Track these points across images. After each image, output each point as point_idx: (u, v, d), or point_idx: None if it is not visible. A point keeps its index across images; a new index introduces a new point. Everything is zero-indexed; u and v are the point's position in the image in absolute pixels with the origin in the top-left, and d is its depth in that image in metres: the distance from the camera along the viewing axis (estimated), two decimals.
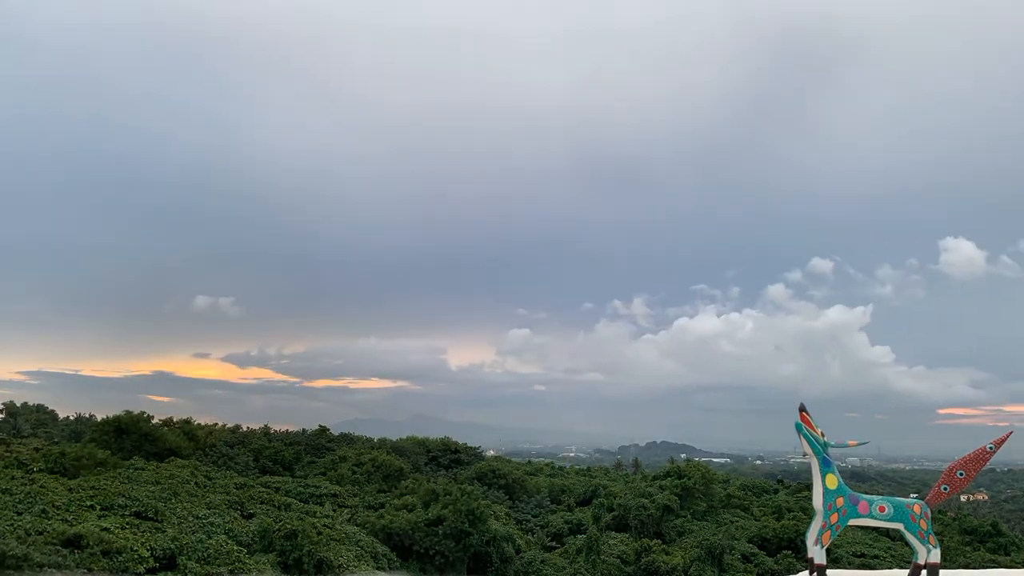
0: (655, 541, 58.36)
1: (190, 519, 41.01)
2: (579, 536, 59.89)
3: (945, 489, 11.55)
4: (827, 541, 11.06)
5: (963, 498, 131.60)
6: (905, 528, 11.18)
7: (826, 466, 11.22)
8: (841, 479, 11.27)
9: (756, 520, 71.28)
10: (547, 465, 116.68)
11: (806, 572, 11.26)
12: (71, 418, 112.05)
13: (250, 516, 46.77)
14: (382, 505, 58.11)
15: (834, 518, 11.10)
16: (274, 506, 50.53)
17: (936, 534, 11.48)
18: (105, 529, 35.00)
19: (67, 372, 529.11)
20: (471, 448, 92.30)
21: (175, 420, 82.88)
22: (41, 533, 33.31)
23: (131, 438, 66.44)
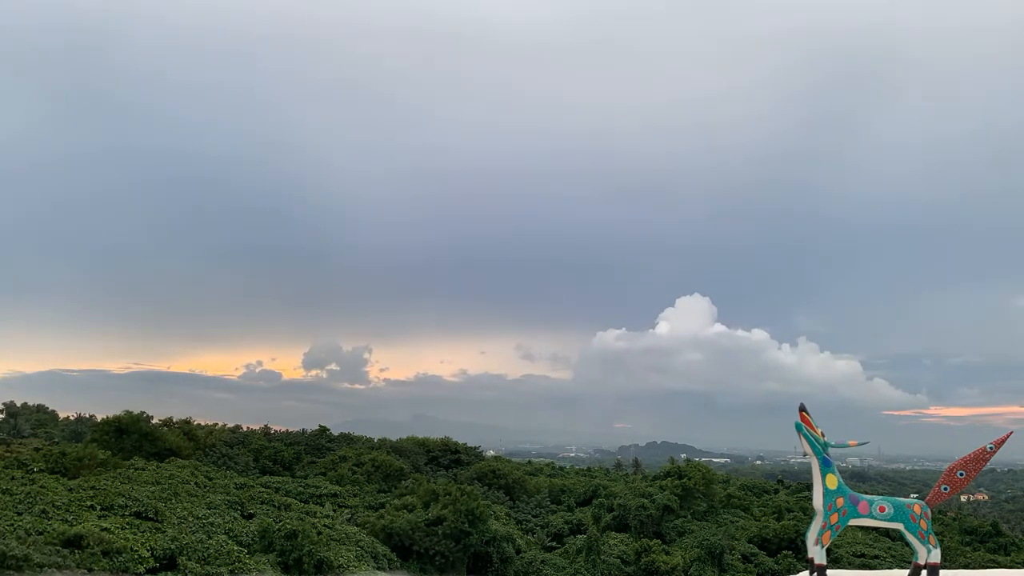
0: (655, 541, 58.32)
1: (190, 519, 40.97)
2: (579, 536, 59.87)
3: (945, 489, 11.55)
4: (827, 541, 11.05)
5: (963, 498, 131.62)
6: (905, 528, 11.17)
7: (826, 466, 11.21)
8: (841, 479, 11.27)
9: (756, 520, 71.25)
10: (547, 465, 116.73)
11: (806, 572, 11.25)
12: (71, 418, 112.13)
13: (250, 516, 46.75)
14: (382, 505, 58.09)
15: (834, 518, 11.09)
16: (274, 506, 50.51)
17: (936, 534, 11.48)
18: (105, 529, 34.96)
19: (47, 370, 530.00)
20: (471, 448, 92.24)
21: (175, 420, 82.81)
22: (41, 533, 33.28)
23: (131, 438, 66.36)
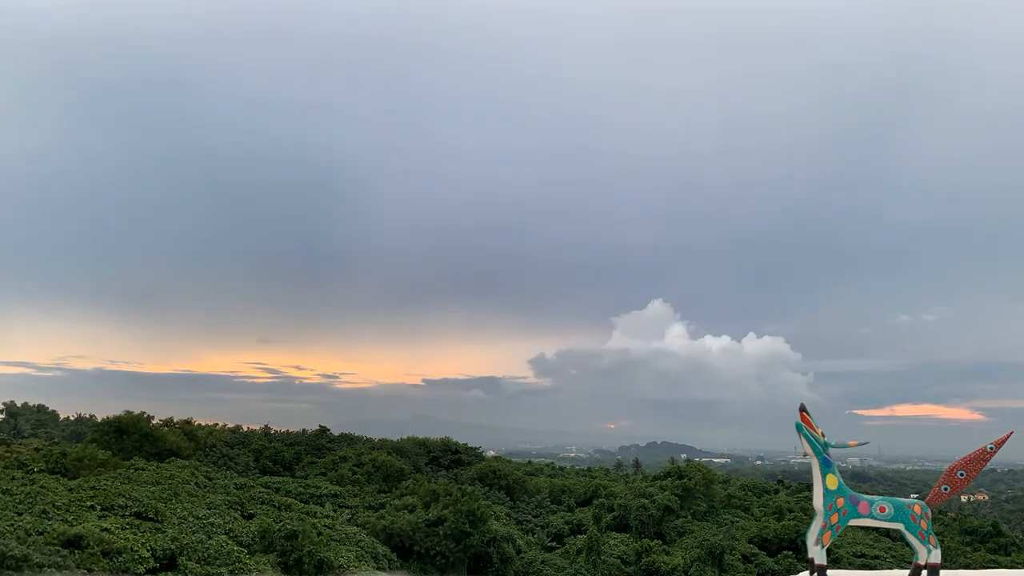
0: (656, 541, 58.34)
1: (190, 519, 40.98)
2: (579, 536, 59.87)
3: (946, 489, 11.53)
4: (828, 541, 11.04)
5: (964, 498, 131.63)
6: (905, 528, 11.16)
7: (827, 466, 11.20)
8: (842, 479, 11.26)
9: (757, 520, 71.26)
10: (547, 465, 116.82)
11: (807, 572, 11.24)
12: (71, 418, 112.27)
13: (250, 516, 46.73)
14: (383, 506, 58.08)
15: (835, 518, 11.08)
16: (274, 506, 50.50)
17: (937, 534, 11.47)
18: (105, 530, 34.97)
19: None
20: (472, 448, 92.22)
21: (175, 420, 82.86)
22: (41, 533, 33.29)
23: (131, 438, 66.40)
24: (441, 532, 50.34)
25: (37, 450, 57.83)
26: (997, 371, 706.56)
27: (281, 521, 43.28)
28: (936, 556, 11.07)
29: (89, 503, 39.83)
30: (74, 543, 33.06)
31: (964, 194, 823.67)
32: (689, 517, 68.56)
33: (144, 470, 52.75)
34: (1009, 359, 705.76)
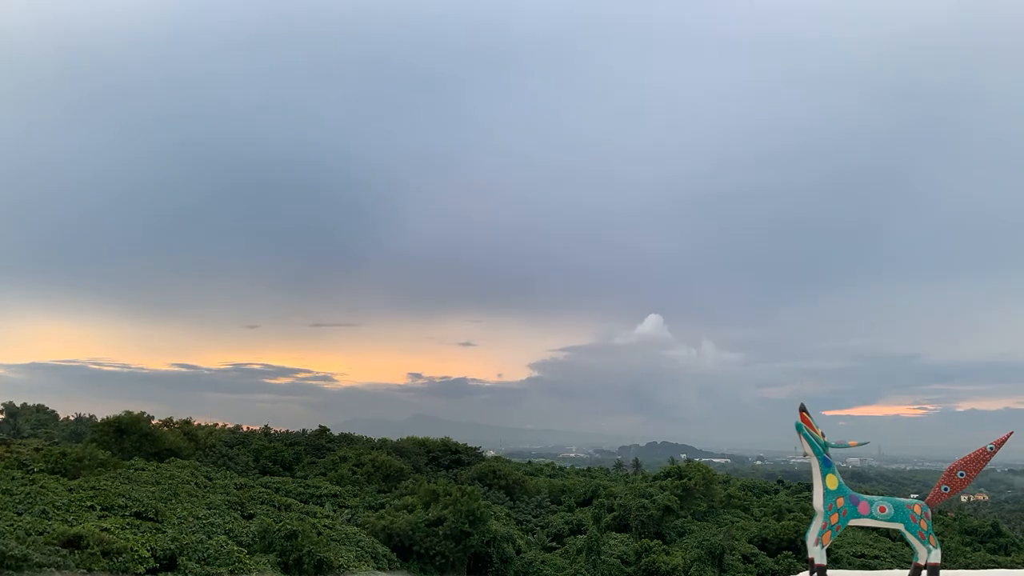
0: (655, 541, 58.30)
1: (190, 519, 40.97)
2: (579, 536, 59.86)
3: (946, 489, 11.52)
4: (828, 541, 11.03)
5: (964, 498, 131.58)
6: (905, 528, 11.15)
7: (826, 466, 11.18)
8: (842, 479, 11.24)
9: (756, 520, 71.23)
10: (547, 466, 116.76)
11: (807, 572, 11.24)
12: (71, 418, 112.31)
13: (250, 516, 46.73)
14: (382, 506, 58.09)
15: (835, 518, 11.06)
16: (274, 506, 50.51)
17: (936, 534, 11.46)
18: (105, 529, 34.96)
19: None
20: (471, 448, 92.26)
21: (175, 420, 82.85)
22: (41, 533, 33.28)
23: (131, 438, 66.37)
24: (441, 532, 50.33)
25: (37, 450, 57.79)
26: (955, 373, 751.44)
27: (281, 521, 43.28)
28: (936, 556, 11.06)
29: (89, 503, 39.82)
30: (74, 543, 33.04)
31: (941, 206, 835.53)
32: (689, 517, 68.53)
33: (144, 470, 52.72)
34: (971, 360, 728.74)
